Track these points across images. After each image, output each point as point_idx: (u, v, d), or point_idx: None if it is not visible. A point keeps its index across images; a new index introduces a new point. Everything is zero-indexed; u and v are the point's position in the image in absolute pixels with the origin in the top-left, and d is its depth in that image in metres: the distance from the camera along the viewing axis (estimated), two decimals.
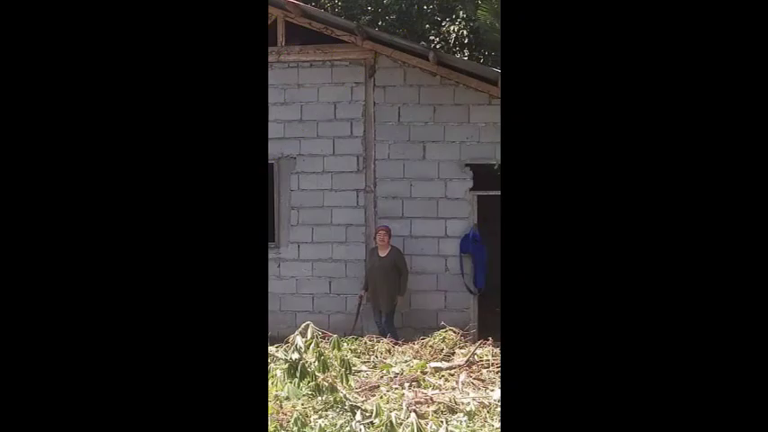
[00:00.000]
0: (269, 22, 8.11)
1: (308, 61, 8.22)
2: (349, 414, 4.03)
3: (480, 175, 7.91)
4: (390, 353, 5.60)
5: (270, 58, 8.00)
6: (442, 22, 12.91)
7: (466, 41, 12.58)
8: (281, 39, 8.26)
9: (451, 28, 12.62)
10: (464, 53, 12.61)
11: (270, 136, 7.36)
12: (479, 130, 7.95)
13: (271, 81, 7.82)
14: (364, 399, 4.30)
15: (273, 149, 8.02)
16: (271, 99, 7.89)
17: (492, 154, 7.73)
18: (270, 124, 7.49)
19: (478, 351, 5.16)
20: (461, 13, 12.40)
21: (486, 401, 4.19)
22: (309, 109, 8.20)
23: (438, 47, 12.15)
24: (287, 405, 4.06)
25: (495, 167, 7.33)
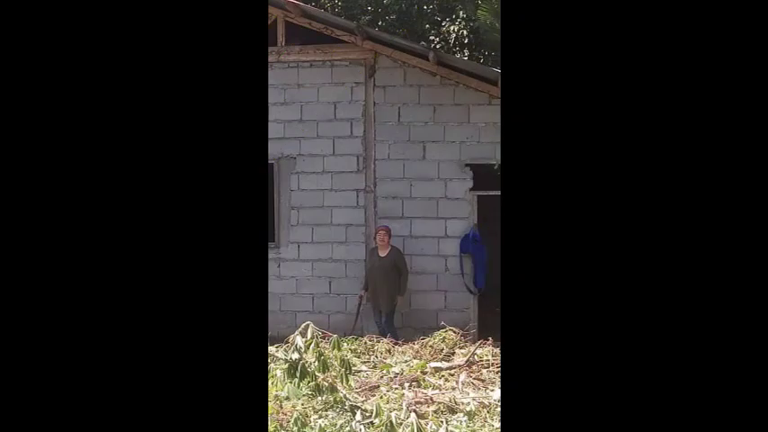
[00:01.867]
0: (269, 22, 8.10)
1: (307, 61, 8.22)
2: (349, 414, 4.03)
3: (480, 175, 7.91)
4: (390, 353, 5.60)
5: (270, 58, 8.00)
6: (442, 22, 12.91)
7: (466, 41, 12.58)
8: (281, 39, 8.26)
9: (451, 28, 12.62)
10: (464, 53, 12.61)
11: (270, 136, 7.36)
12: (479, 130, 7.95)
13: (271, 81, 7.82)
14: (364, 399, 4.31)
15: (273, 149, 8.02)
16: (271, 99, 7.89)
17: (492, 154, 7.73)
18: (270, 124, 7.49)
19: (478, 351, 5.17)
20: (461, 13, 12.39)
21: (486, 401, 4.19)
22: (309, 109, 8.20)
23: (438, 47, 12.15)
24: (287, 405, 4.06)
25: (495, 167, 7.33)
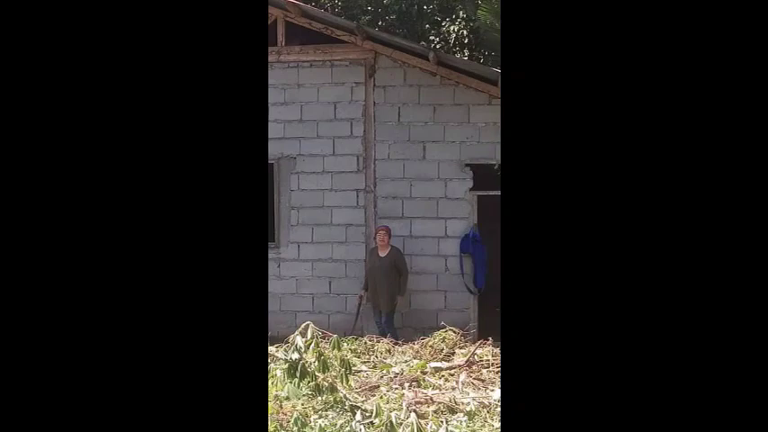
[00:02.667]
0: (269, 22, 8.10)
1: (308, 61, 8.22)
2: (349, 414, 4.03)
3: (480, 175, 7.91)
4: (390, 353, 5.61)
5: (270, 58, 7.99)
6: (442, 22, 12.91)
7: (466, 41, 12.58)
8: (281, 39, 8.27)
9: (451, 28, 12.62)
10: (464, 53, 12.61)
11: (270, 136, 7.34)
12: (479, 130, 7.95)
13: (271, 81, 7.82)
14: (364, 399, 4.31)
15: (273, 149, 8.00)
16: (271, 99, 7.89)
17: (492, 154, 7.74)
18: (270, 124, 7.49)
19: (478, 351, 5.17)
20: (461, 13, 12.40)
21: (486, 401, 4.19)
22: (309, 109, 8.20)
23: (438, 47, 12.15)
24: (287, 405, 4.06)
25: (495, 167, 7.34)
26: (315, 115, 8.19)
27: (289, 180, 8.24)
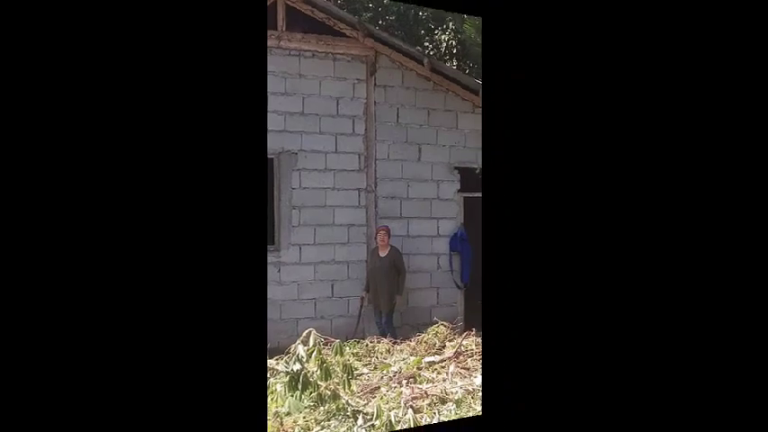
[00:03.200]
0: (268, 3, 7.40)
1: (309, 50, 7.77)
2: (351, 420, 4.02)
3: (466, 177, 8.21)
4: (390, 352, 5.69)
5: (269, 43, 7.34)
6: (435, 29, 12.99)
7: (455, 51, 12.66)
8: (281, 23, 7.69)
9: (442, 37, 12.71)
10: (453, 62, 12.65)
11: (269, 128, 6.72)
12: (465, 136, 8.20)
13: (270, 68, 7.14)
14: (366, 402, 4.33)
15: (274, 143, 7.40)
16: (270, 88, 7.15)
17: (475, 158, 8.03)
18: (270, 115, 6.88)
19: (464, 342, 5.32)
20: (450, 23, 12.48)
21: (470, 388, 4.31)
22: (311, 102, 7.72)
23: (431, 53, 12.19)
24: (288, 421, 3.96)
25: (477, 171, 7.65)
26: (317, 109, 7.74)
27: (290, 177, 7.67)
